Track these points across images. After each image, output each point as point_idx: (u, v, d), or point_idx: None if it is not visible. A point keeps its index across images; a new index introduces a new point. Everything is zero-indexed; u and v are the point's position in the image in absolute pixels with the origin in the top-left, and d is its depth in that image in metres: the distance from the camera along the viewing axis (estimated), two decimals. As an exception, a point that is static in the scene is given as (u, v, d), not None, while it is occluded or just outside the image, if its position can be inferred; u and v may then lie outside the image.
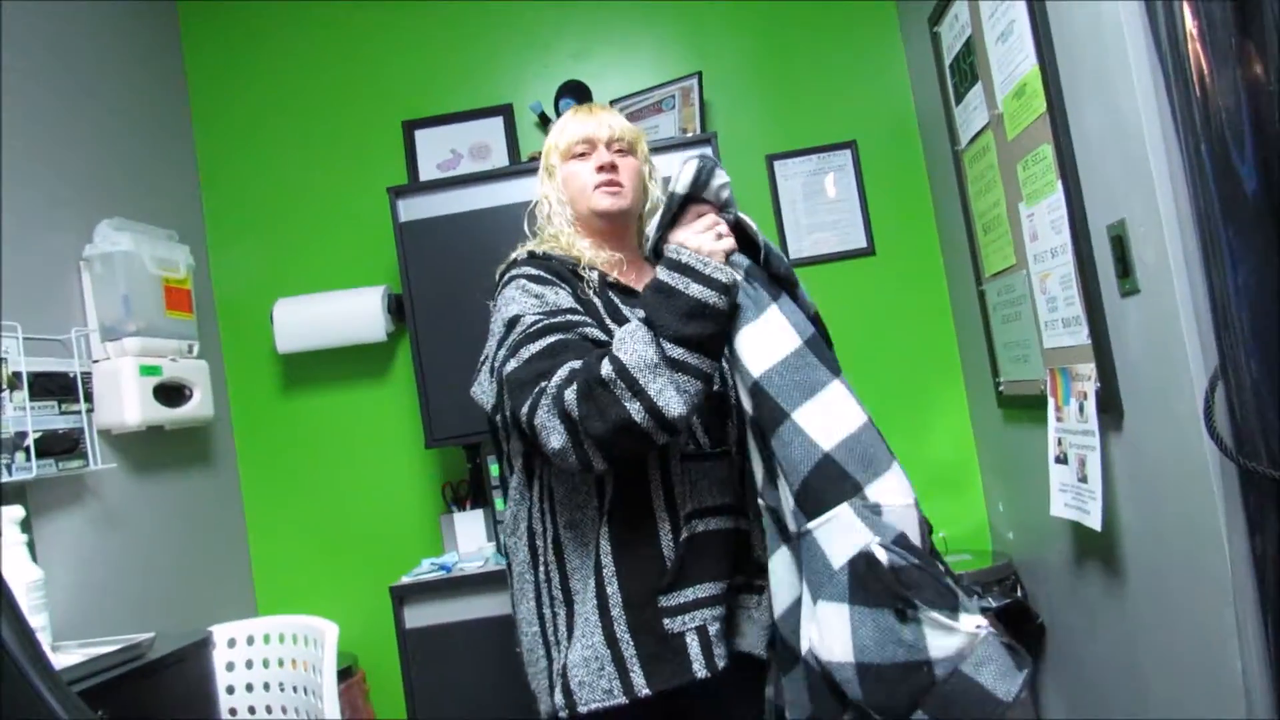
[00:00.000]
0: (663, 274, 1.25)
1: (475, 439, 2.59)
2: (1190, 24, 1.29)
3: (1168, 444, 1.53)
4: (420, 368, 2.54)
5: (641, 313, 1.27)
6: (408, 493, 2.85)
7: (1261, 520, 1.30)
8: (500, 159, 2.84)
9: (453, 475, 2.80)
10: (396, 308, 2.76)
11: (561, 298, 1.37)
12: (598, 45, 2.93)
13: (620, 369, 1.18)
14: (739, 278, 1.27)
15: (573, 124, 1.54)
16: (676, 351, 1.20)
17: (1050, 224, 1.86)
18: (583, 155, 1.51)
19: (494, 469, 2.56)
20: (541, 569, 1.40)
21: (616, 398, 1.17)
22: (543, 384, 1.23)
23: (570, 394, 1.19)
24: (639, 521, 1.34)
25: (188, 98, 2.96)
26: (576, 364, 1.23)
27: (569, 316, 1.33)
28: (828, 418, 1.20)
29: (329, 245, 2.90)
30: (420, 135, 2.89)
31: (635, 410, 1.17)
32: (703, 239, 1.27)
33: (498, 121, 2.88)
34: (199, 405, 2.49)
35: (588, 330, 1.32)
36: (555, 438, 1.20)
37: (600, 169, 1.48)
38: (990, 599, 1.19)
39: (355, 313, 2.69)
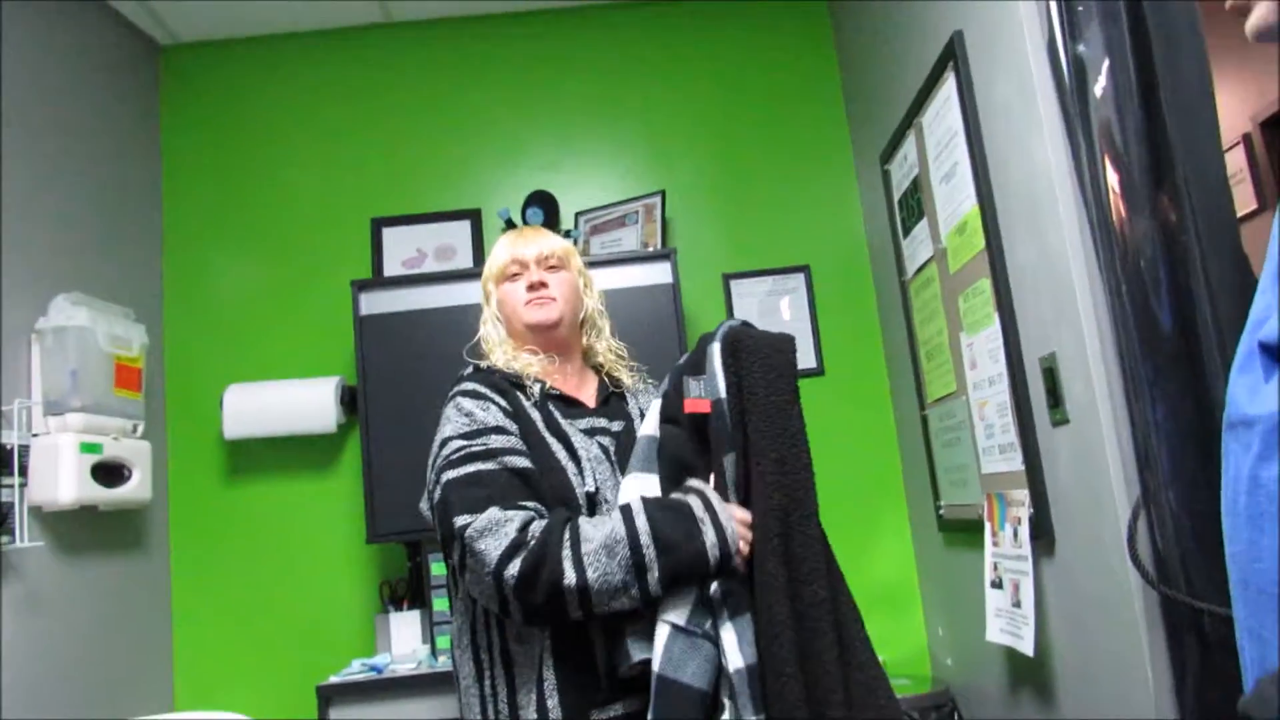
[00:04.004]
0: (697, 508, 1.28)
1: (418, 537, 2.56)
2: (1112, 177, 1.40)
3: (1095, 570, 1.58)
4: (368, 461, 2.52)
5: (584, 436, 1.36)
6: (344, 589, 2.78)
7: (1182, 646, 1.34)
8: (465, 261, 2.91)
9: (392, 573, 2.74)
10: (349, 399, 2.76)
11: (491, 414, 1.42)
12: (567, 158, 3.05)
13: (583, 588, 1.22)
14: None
15: (502, 248, 1.63)
16: (654, 582, 1.24)
17: (988, 353, 1.95)
18: (515, 276, 1.59)
19: (435, 568, 2.52)
20: (487, 683, 1.39)
21: (565, 605, 1.24)
22: (471, 530, 1.27)
23: (511, 574, 1.24)
24: (580, 637, 1.34)
25: (160, 179, 3.01)
26: (514, 528, 1.27)
27: (490, 440, 1.38)
28: None
29: (287, 334, 2.91)
30: (388, 233, 2.95)
31: (577, 616, 1.25)
32: (741, 529, 1.28)
33: (465, 225, 2.96)
34: (137, 487, 2.44)
35: (508, 460, 1.36)
36: (484, 597, 1.29)
37: (530, 287, 1.57)
38: None
39: (307, 402, 2.69)
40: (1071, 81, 1.47)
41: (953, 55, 1.96)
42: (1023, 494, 1.82)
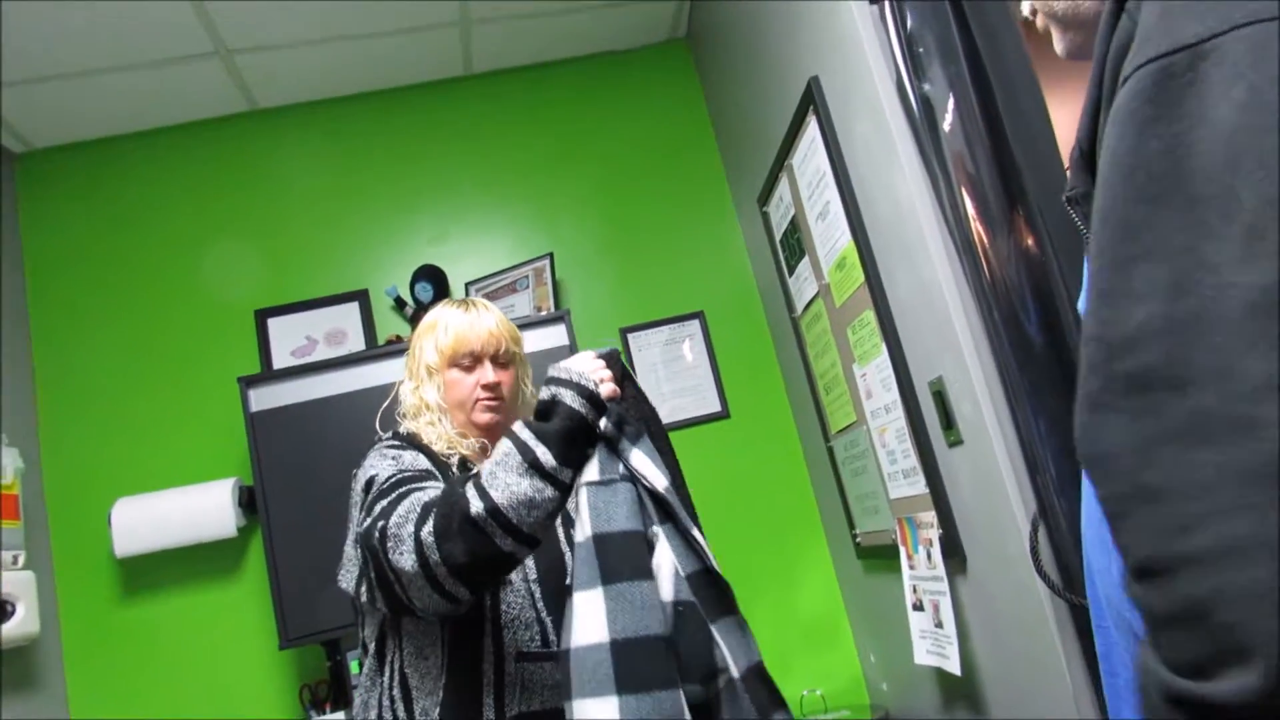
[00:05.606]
0: (545, 394, 1.27)
1: (334, 635, 2.45)
2: (969, 204, 1.47)
3: (1006, 585, 1.62)
4: (273, 563, 2.42)
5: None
6: (263, 699, 2.63)
7: (1093, 646, 1.38)
8: (357, 344, 2.85)
9: (311, 676, 2.62)
10: (248, 500, 2.64)
11: (419, 461, 1.40)
12: (453, 229, 3.04)
13: (493, 508, 1.17)
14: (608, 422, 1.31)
15: (455, 329, 1.54)
16: (550, 464, 1.20)
17: (881, 382, 2.00)
18: (468, 368, 1.52)
19: (354, 666, 2.42)
20: None
21: (488, 536, 1.16)
22: (392, 521, 1.21)
23: (427, 532, 1.17)
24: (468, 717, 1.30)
25: (24, 287, 2.86)
26: (429, 497, 1.22)
27: (422, 475, 1.35)
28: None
29: (175, 439, 2.78)
30: (273, 323, 2.87)
31: (508, 545, 1.17)
32: (586, 366, 1.30)
33: (353, 307, 2.90)
34: (22, 621, 2.27)
35: (439, 485, 1.32)
36: (413, 586, 1.19)
37: (485, 387, 1.51)
38: None
39: (203, 508, 2.56)
40: (922, 119, 1.54)
41: (812, 100, 2.04)
42: (931, 516, 1.86)
